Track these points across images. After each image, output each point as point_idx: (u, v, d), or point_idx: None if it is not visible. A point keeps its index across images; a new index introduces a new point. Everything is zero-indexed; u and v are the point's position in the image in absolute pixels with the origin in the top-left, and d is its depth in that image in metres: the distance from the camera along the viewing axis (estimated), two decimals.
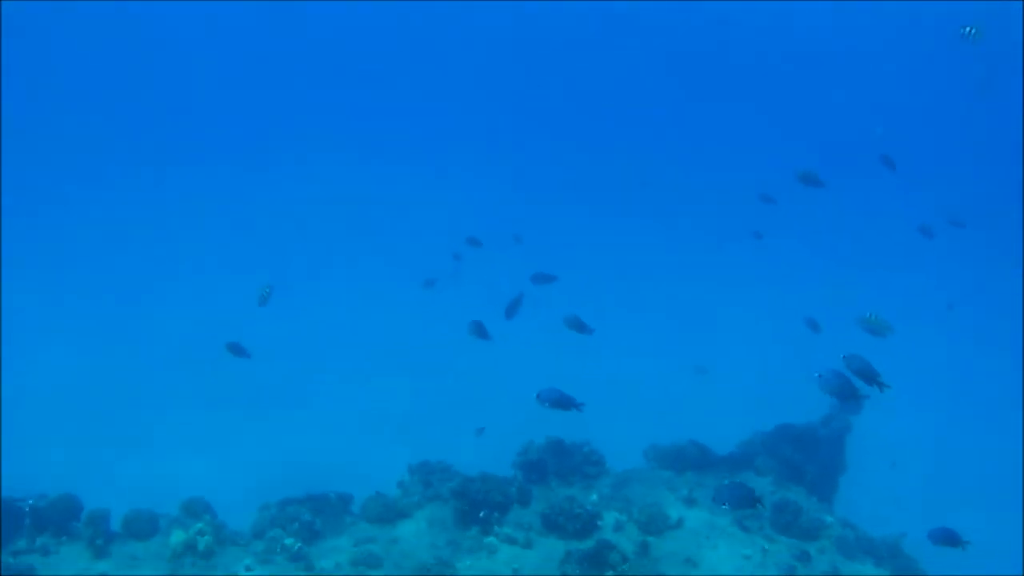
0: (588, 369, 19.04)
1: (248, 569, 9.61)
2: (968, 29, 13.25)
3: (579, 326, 12.06)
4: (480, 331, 12.44)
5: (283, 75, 55.67)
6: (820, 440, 13.12)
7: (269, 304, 13.32)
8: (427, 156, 44.18)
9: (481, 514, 10.49)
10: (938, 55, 42.24)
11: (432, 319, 24.42)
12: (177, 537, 9.79)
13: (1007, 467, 20.21)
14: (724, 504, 8.98)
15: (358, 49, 59.23)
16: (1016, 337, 27.08)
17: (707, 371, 23.30)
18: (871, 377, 8.60)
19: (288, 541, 9.96)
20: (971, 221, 23.05)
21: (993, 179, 41.74)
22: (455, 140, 47.51)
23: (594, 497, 11.30)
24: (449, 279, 23.59)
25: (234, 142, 43.70)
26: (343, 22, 57.84)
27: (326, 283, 27.88)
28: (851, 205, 37.29)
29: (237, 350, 12.54)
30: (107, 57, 53.76)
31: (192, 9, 54.17)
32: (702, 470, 12.33)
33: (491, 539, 10.28)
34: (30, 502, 10.00)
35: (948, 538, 9.76)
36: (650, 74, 56.41)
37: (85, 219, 32.72)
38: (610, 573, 9.47)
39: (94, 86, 50.97)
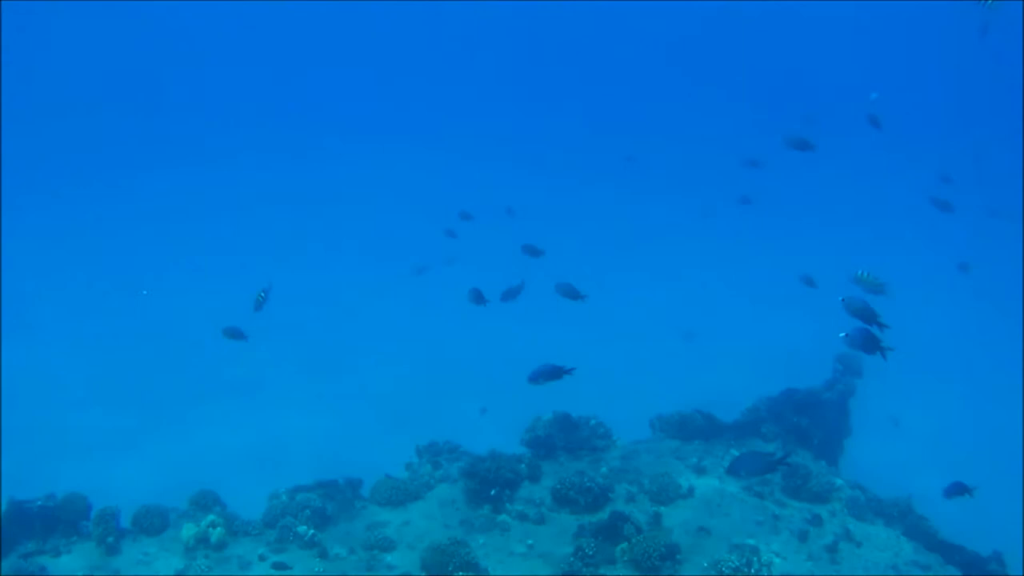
0: (586, 342, 19.04)
1: (262, 558, 9.58)
2: None
3: (571, 293, 12.06)
4: (478, 298, 12.49)
5: (276, 69, 55.47)
6: (824, 404, 13.13)
7: (264, 308, 13.23)
8: (415, 140, 44.05)
9: (492, 492, 10.47)
10: (935, 21, 42.19)
11: (428, 305, 24.38)
12: (188, 531, 9.76)
13: (1011, 434, 20.22)
14: (741, 475, 9.00)
15: (343, 39, 59.07)
16: (1017, 301, 27.04)
17: (695, 336, 23.35)
18: (870, 317, 8.68)
19: (301, 528, 9.93)
20: (972, 187, 22.89)
21: (993, 143, 41.58)
22: (442, 122, 47.32)
23: (604, 470, 11.25)
24: (444, 262, 23.50)
25: (231, 138, 43.47)
26: (332, 15, 57.72)
27: (322, 277, 27.76)
28: (849, 172, 37.31)
29: (234, 333, 12.53)
30: (106, 56, 53.62)
31: (191, 8, 53.91)
32: (709, 438, 12.31)
33: (503, 516, 10.27)
34: (38, 503, 9.92)
35: (957, 489, 9.93)
36: (641, 49, 56.26)
37: (84, 218, 32.56)
38: (624, 544, 9.49)
39: (93, 85, 50.75)
